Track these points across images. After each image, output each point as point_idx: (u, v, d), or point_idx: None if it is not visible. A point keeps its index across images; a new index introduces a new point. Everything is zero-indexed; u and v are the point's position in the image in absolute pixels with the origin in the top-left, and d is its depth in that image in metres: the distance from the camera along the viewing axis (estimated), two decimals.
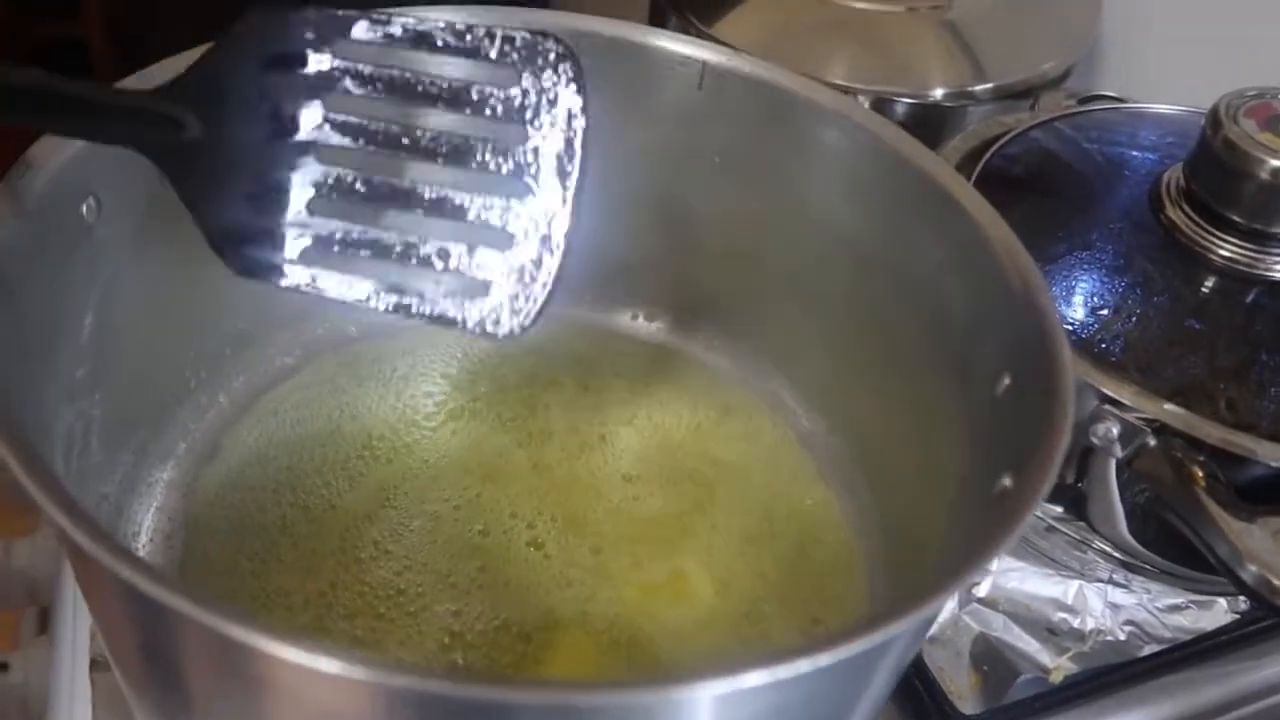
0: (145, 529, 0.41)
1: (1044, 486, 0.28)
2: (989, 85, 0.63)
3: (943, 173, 0.39)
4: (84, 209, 0.33)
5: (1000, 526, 0.26)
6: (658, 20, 0.67)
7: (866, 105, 0.59)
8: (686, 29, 0.64)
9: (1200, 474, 0.40)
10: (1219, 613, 0.48)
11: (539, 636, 0.39)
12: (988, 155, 0.53)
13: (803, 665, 0.21)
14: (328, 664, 0.19)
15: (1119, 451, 0.43)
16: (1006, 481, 0.32)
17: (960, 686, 0.45)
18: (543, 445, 0.46)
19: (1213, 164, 0.46)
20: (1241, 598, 0.47)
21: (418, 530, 0.42)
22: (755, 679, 0.21)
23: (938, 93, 0.62)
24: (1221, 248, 0.46)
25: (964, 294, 0.38)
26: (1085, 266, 0.47)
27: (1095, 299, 0.46)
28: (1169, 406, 0.41)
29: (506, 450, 0.45)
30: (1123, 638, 0.47)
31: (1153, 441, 0.42)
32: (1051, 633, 0.47)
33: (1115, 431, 0.42)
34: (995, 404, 0.35)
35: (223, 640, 0.20)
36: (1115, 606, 0.48)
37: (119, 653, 0.32)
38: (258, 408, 0.45)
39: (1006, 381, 0.35)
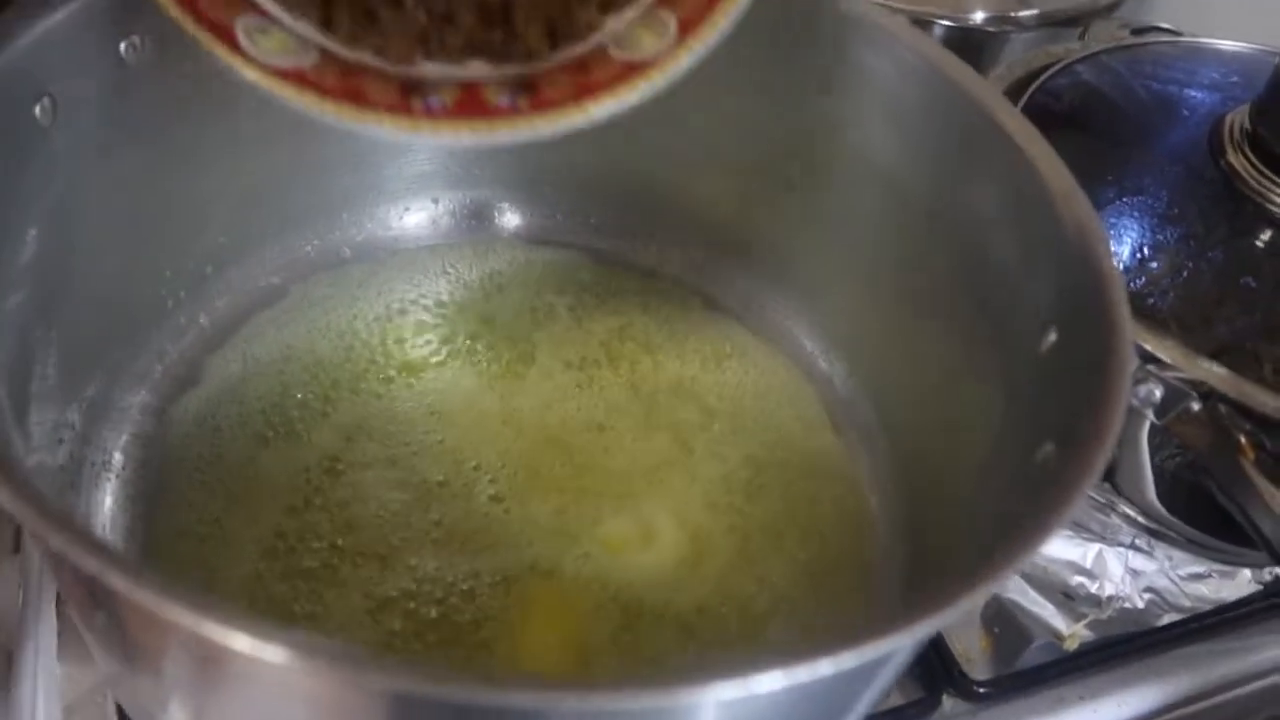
0: (116, 456, 0.39)
1: (1098, 464, 0.25)
2: (1034, 11, 0.59)
3: (995, 102, 0.36)
4: (37, 110, 0.30)
5: (1049, 509, 0.23)
6: None
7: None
8: None
9: (1247, 443, 0.38)
10: (1242, 583, 0.46)
11: (498, 595, 0.37)
12: (1032, 88, 0.49)
13: (823, 667, 0.19)
14: (275, 653, 0.17)
15: (1154, 415, 0.40)
16: (1049, 449, 0.29)
17: (970, 650, 0.43)
18: (518, 387, 0.43)
19: None
20: (1268, 569, 0.45)
21: (375, 478, 0.39)
22: (770, 682, 0.18)
23: (979, 16, 0.58)
24: None
25: (1011, 238, 0.35)
26: (1134, 214, 0.44)
27: (1143, 249, 0.42)
28: (1218, 369, 0.39)
29: (479, 392, 0.42)
30: (1141, 605, 0.45)
31: (1196, 406, 0.39)
32: (1068, 597, 0.45)
33: (1157, 394, 0.39)
34: (1038, 362, 0.32)
35: (164, 624, 0.18)
36: (1135, 572, 0.46)
37: (71, 598, 0.30)
38: (239, 332, 0.43)
39: (1052, 338, 0.32)
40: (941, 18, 0.58)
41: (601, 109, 0.29)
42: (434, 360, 0.43)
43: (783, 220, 0.44)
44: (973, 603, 0.21)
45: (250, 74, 0.28)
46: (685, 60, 0.30)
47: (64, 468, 0.35)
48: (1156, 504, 0.44)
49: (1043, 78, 0.50)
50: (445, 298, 0.45)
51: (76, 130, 0.31)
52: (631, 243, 0.48)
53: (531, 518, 0.39)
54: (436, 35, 0.30)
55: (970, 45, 0.59)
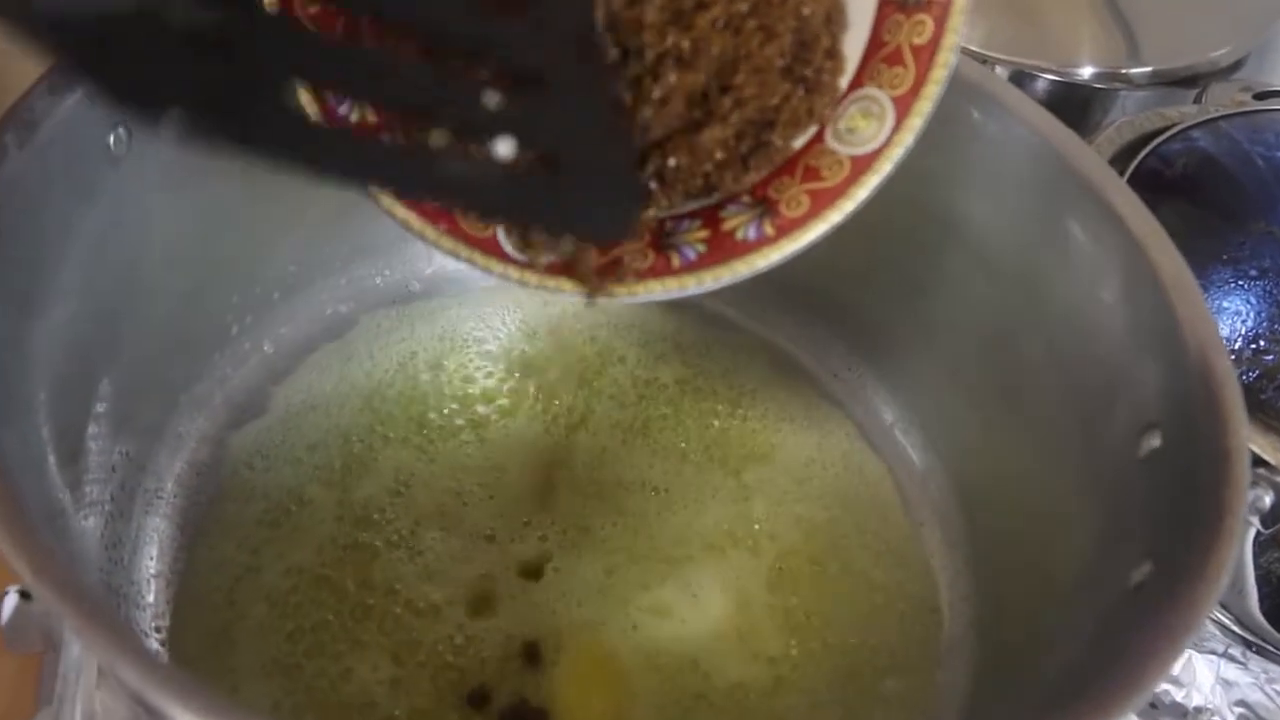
0: (170, 483, 0.38)
1: (1209, 596, 0.22)
2: (1146, 69, 0.55)
3: (1106, 178, 0.33)
4: (111, 139, 0.30)
5: (1146, 652, 0.21)
6: None
7: (1004, 78, 0.53)
8: None
9: None
10: None
11: (546, 656, 0.36)
12: (1143, 154, 0.46)
13: None
14: None
15: (1260, 524, 0.37)
16: (1146, 569, 0.26)
17: None
18: (575, 440, 0.41)
19: None
20: None
21: (422, 526, 0.38)
22: None
23: (1086, 71, 0.55)
24: None
25: (1112, 325, 0.32)
26: (1250, 298, 0.40)
27: (1259, 339, 0.39)
28: None
29: (534, 443, 0.41)
30: (1232, 719, 0.42)
31: None
32: (1152, 706, 0.42)
33: (1267, 500, 0.36)
34: (1137, 469, 0.29)
35: None
36: (1227, 683, 0.42)
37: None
38: (304, 362, 0.42)
39: (1155, 443, 0.29)
40: (1046, 71, 0.55)
41: (841, 214, 0.29)
42: (492, 406, 0.42)
43: (865, 284, 0.41)
44: None
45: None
46: (910, 140, 0.29)
47: (114, 495, 0.35)
48: (1257, 615, 0.41)
49: (1155, 142, 0.47)
50: (507, 341, 0.44)
51: (149, 160, 0.31)
52: (704, 296, 0.46)
53: (581, 578, 0.38)
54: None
55: (1075, 101, 0.55)
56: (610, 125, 0.26)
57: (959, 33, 0.28)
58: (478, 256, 0.30)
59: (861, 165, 0.29)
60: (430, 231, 0.30)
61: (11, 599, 0.42)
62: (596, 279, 0.29)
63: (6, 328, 0.27)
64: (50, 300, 0.29)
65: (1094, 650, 0.24)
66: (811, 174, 0.29)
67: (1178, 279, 0.31)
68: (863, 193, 0.29)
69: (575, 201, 0.25)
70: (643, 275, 0.29)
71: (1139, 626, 0.23)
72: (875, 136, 0.29)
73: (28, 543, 0.20)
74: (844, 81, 0.30)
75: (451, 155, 0.25)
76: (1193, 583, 0.23)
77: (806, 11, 0.28)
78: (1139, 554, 0.26)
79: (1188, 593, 0.23)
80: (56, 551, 0.21)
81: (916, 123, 0.28)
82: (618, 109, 0.27)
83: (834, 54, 0.29)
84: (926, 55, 0.28)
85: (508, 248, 0.30)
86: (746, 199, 0.30)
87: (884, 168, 0.29)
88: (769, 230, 0.29)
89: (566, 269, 0.29)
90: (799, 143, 0.30)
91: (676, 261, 0.29)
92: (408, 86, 0.24)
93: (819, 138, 0.30)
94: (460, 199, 0.25)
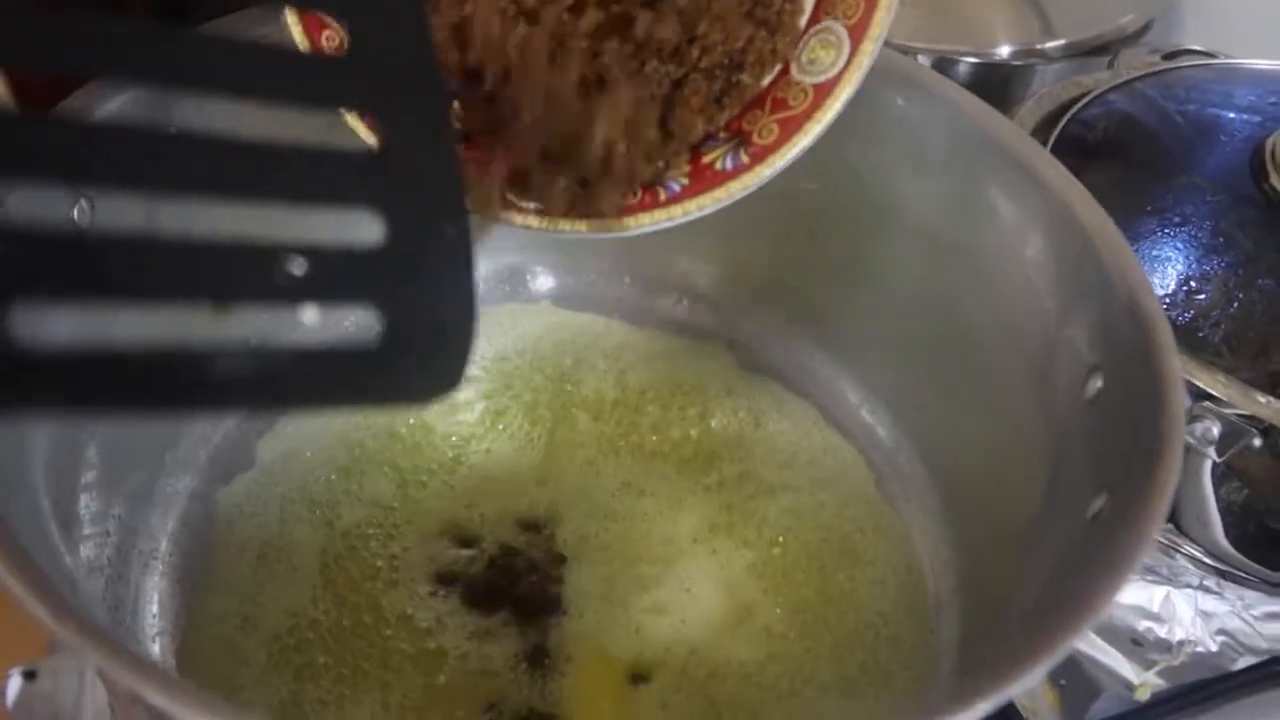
0: (164, 543, 0.39)
1: (1154, 519, 0.24)
2: (1060, 42, 0.58)
3: (1024, 145, 0.35)
4: (75, 213, 0.31)
5: (1105, 573, 0.22)
6: None
7: (928, 66, 0.55)
8: None
9: None
10: None
11: (555, 667, 0.37)
12: (1064, 120, 0.48)
13: None
14: None
15: (1214, 452, 0.39)
16: (1102, 501, 0.28)
17: (1037, 704, 0.41)
18: (557, 453, 0.43)
19: None
20: None
21: (416, 551, 0.39)
22: None
23: (1004, 51, 0.57)
24: None
25: (1048, 282, 0.34)
26: (1178, 244, 0.42)
27: (1190, 281, 0.41)
28: (1277, 403, 0.37)
29: (518, 459, 0.42)
30: (1215, 649, 0.43)
31: (1258, 442, 0.37)
32: (1136, 644, 0.43)
33: (1215, 431, 0.38)
34: (1085, 410, 0.31)
35: None
36: (1206, 615, 0.44)
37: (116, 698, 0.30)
38: (283, 413, 0.43)
39: (1098, 384, 0.31)
40: (966, 55, 0.57)
41: (809, 138, 0.31)
42: (474, 428, 0.43)
43: (815, 273, 0.43)
44: (1031, 682, 0.20)
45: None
46: (866, 64, 0.31)
47: (110, 560, 0.36)
48: (1224, 544, 0.42)
49: (1074, 109, 0.49)
50: (481, 366, 0.45)
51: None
52: (664, 303, 0.48)
53: (582, 587, 0.39)
54: None
55: (996, 80, 0.58)
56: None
57: None
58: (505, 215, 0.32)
59: (824, 91, 0.31)
60: None
61: (15, 681, 0.42)
62: (598, 218, 0.31)
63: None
64: None
65: (1062, 578, 0.25)
66: (780, 104, 0.32)
67: (1101, 230, 0.33)
68: (827, 115, 0.31)
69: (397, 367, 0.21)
70: (632, 209, 0.31)
71: (1098, 550, 0.24)
72: (835, 64, 0.31)
73: (46, 592, 0.21)
74: (803, 20, 0.32)
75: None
76: (1141, 504, 0.24)
77: None
78: (1093, 488, 0.28)
79: (1138, 514, 0.24)
80: (71, 601, 0.22)
81: (870, 47, 0.31)
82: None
83: None
84: None
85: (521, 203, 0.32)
86: (723, 134, 0.32)
87: (844, 92, 0.31)
88: (744, 159, 0.32)
89: (571, 211, 0.31)
90: (767, 80, 0.32)
91: (663, 195, 0.32)
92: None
93: (785, 71, 0.32)
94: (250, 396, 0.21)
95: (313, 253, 0.20)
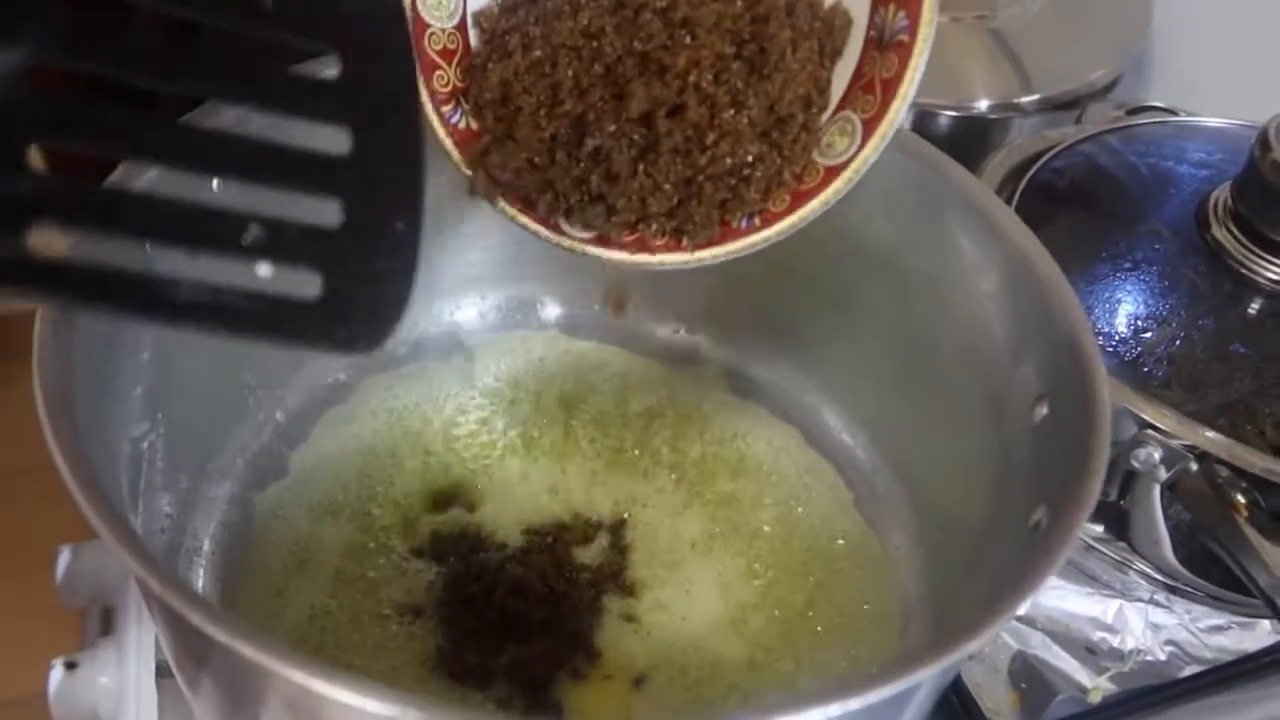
0: (206, 543, 0.43)
1: (1076, 526, 0.28)
2: (1035, 97, 0.61)
3: (986, 199, 0.39)
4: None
5: (1033, 568, 0.27)
6: None
7: (909, 118, 0.59)
8: None
9: (1242, 501, 0.40)
10: (1262, 633, 0.48)
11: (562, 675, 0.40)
12: (1033, 170, 0.52)
13: (833, 709, 0.22)
14: (376, 706, 0.21)
15: (1162, 475, 0.43)
16: (1041, 513, 0.32)
17: (998, 704, 0.45)
18: (565, 469, 0.47)
19: (1260, 187, 0.45)
20: None
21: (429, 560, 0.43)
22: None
23: (982, 104, 0.61)
24: (1269, 270, 0.46)
25: (1005, 320, 0.38)
26: (1130, 285, 0.47)
27: (1139, 320, 0.45)
28: (1210, 434, 0.41)
29: (527, 475, 0.46)
30: (1163, 658, 0.47)
31: (1194, 467, 0.41)
32: (1091, 652, 0.47)
33: (1157, 456, 0.42)
34: (1033, 434, 0.35)
35: (260, 670, 0.21)
36: (1156, 626, 0.47)
37: (180, 664, 0.34)
38: (312, 426, 0.47)
39: (1044, 411, 0.35)
40: (947, 108, 0.61)
41: (813, 212, 0.36)
42: (484, 447, 0.47)
43: (798, 308, 0.48)
44: (955, 659, 0.24)
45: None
46: (873, 154, 0.35)
47: (163, 556, 0.40)
48: (1173, 561, 0.46)
49: (1043, 159, 0.53)
50: (492, 389, 0.49)
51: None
52: (663, 333, 0.52)
53: (589, 589, 0.43)
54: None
55: (975, 131, 0.62)
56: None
57: (918, 69, 0.34)
58: (564, 240, 0.37)
59: (834, 172, 0.35)
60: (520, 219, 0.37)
61: (58, 672, 0.46)
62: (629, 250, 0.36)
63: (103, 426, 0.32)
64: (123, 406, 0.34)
65: (1006, 572, 0.29)
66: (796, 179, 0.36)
67: (1049, 275, 0.37)
68: (832, 195, 0.35)
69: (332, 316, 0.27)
70: (657, 250, 0.36)
71: (1034, 550, 0.29)
72: (846, 150, 0.35)
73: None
74: (815, 154, 0.36)
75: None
76: (1071, 509, 0.29)
77: (786, 95, 0.35)
78: (1035, 500, 0.32)
79: (1068, 518, 0.28)
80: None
81: (878, 141, 0.35)
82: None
83: (810, 129, 0.36)
84: (891, 87, 0.35)
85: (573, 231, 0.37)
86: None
87: (851, 176, 0.35)
88: (757, 222, 0.36)
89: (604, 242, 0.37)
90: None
91: (685, 241, 0.37)
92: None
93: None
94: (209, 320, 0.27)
95: (276, 224, 0.27)
